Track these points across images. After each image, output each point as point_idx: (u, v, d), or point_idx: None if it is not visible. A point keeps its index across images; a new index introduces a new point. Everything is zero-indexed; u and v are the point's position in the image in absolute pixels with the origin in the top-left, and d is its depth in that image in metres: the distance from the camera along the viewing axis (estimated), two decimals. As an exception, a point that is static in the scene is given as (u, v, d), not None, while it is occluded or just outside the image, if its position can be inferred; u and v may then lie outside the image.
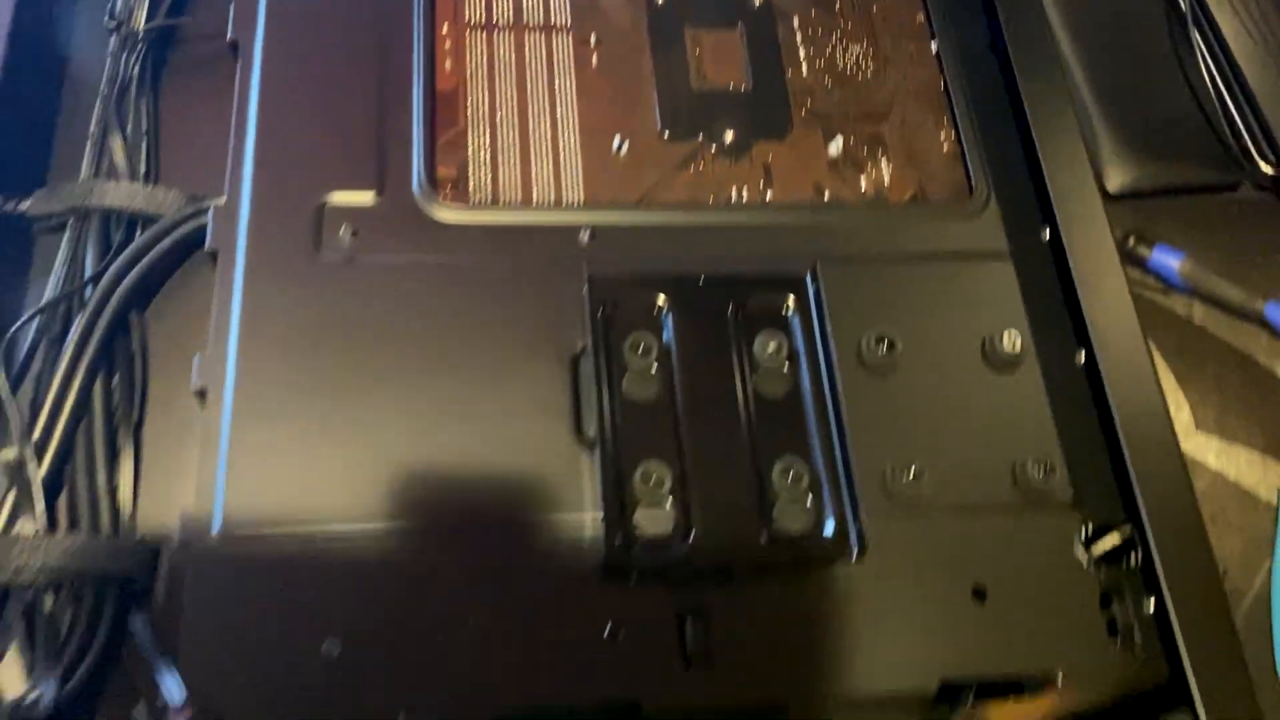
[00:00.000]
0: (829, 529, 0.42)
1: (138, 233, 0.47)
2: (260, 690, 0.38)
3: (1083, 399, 0.47)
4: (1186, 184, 0.86)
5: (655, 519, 0.41)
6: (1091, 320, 0.47)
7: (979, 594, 0.42)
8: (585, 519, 0.42)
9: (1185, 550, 0.43)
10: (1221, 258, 0.83)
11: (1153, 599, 0.43)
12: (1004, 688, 0.42)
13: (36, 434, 0.41)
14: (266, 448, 0.41)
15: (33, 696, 0.37)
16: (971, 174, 0.51)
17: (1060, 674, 0.41)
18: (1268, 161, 0.86)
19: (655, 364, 0.44)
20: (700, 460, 0.42)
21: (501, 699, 0.39)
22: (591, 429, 0.43)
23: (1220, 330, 0.82)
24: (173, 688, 0.37)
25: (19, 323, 0.43)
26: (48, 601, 0.39)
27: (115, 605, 0.40)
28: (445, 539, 0.41)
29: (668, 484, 0.42)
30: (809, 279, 0.46)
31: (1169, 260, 0.69)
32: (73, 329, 0.43)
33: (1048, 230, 0.50)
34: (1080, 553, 0.43)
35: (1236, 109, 0.76)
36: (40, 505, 0.40)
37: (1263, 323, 0.81)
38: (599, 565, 0.41)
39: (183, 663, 0.37)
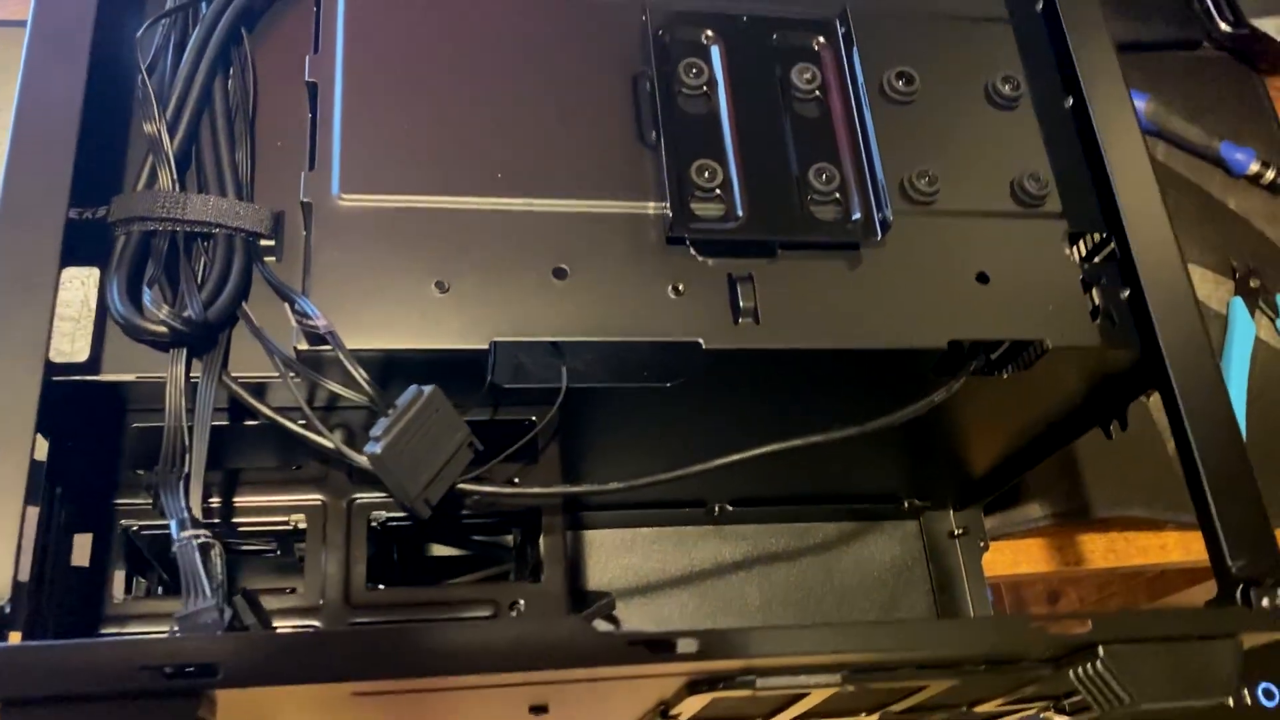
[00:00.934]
0: (856, 217, 0.49)
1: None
2: (376, 320, 0.44)
3: (1069, 134, 0.54)
4: (1153, 40, 0.94)
5: (709, 205, 0.48)
6: (1081, 72, 0.54)
7: (982, 278, 0.49)
8: (649, 206, 0.48)
9: (1157, 251, 0.51)
10: (1183, 105, 0.92)
11: (1128, 290, 0.50)
12: (1003, 359, 0.50)
13: (168, 114, 0.47)
14: (373, 126, 0.47)
15: (180, 313, 0.42)
16: (977, -49, 0.58)
17: (1048, 341, 0.48)
18: (1226, 21, 0.95)
19: (705, 86, 0.50)
20: (746, 161, 0.49)
21: (583, 334, 0.45)
22: (653, 135, 0.49)
23: (1179, 166, 0.90)
24: (308, 308, 0.43)
25: (146, 24, 0.49)
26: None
27: (244, 255, 0.45)
28: (531, 216, 0.47)
29: (719, 177, 0.48)
30: (838, 21, 0.53)
31: (1136, 102, 0.76)
32: (192, 37, 0.49)
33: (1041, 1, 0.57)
34: (1067, 251, 0.51)
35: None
36: (173, 170, 0.46)
37: (1218, 160, 0.90)
38: (663, 236, 0.47)
39: (314, 293, 0.44)
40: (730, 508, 0.67)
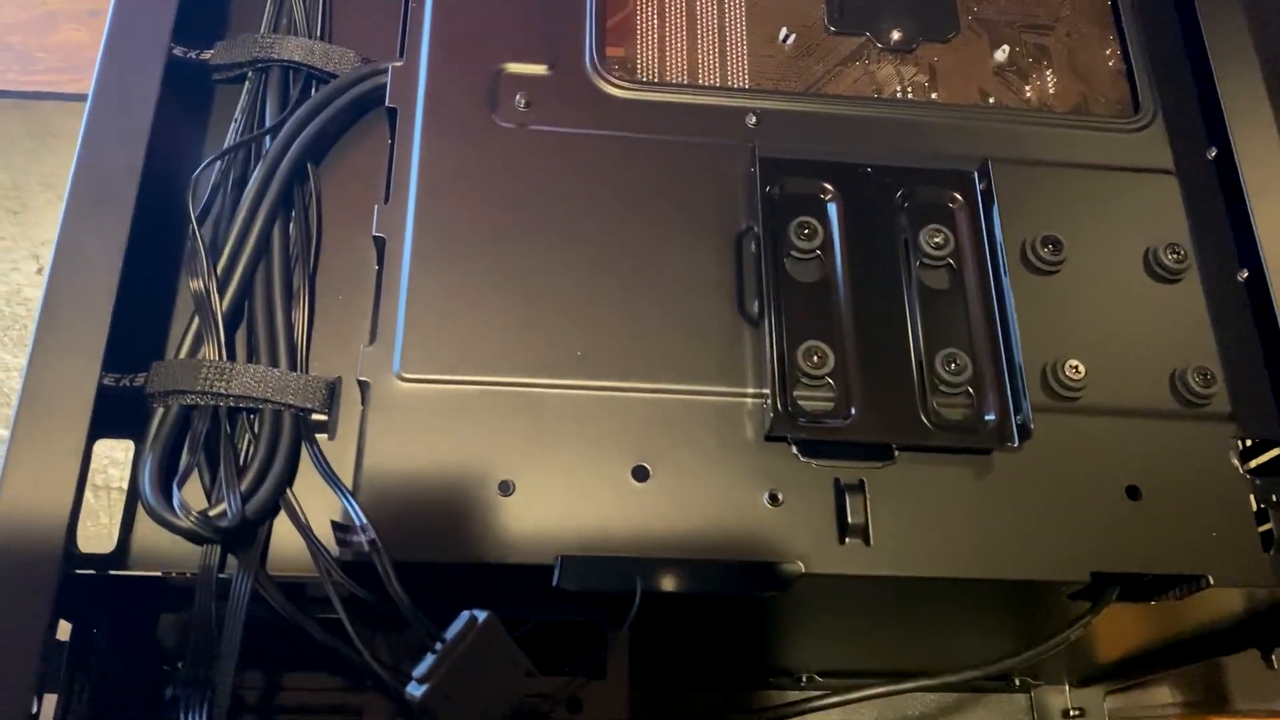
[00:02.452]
0: (990, 417, 0.42)
1: (313, 90, 0.47)
2: (431, 525, 0.39)
3: (1243, 315, 0.46)
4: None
5: (817, 395, 0.42)
6: (1260, 238, 0.46)
7: (1133, 493, 0.42)
8: (746, 393, 0.42)
9: (1345, 470, 0.43)
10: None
11: (1310, 517, 0.42)
12: (1150, 588, 0.42)
13: (219, 269, 0.42)
14: (442, 296, 0.42)
15: (218, 509, 0.38)
16: (1139, 89, 0.51)
17: (1210, 578, 0.41)
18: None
19: (819, 249, 0.44)
20: (863, 343, 0.43)
21: (663, 549, 0.39)
22: (754, 307, 0.43)
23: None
24: (355, 514, 0.38)
25: (202, 165, 0.44)
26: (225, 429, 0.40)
27: (292, 434, 0.41)
28: (612, 404, 0.41)
29: (830, 363, 0.42)
30: (977, 176, 0.46)
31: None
32: (253, 175, 0.44)
33: (1214, 149, 0.49)
34: (1236, 463, 0.43)
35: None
36: (221, 335, 0.41)
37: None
38: (760, 433, 0.41)
39: (361, 495, 0.39)
40: (819, 678, 0.60)
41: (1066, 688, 0.63)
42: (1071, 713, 0.62)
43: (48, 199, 0.68)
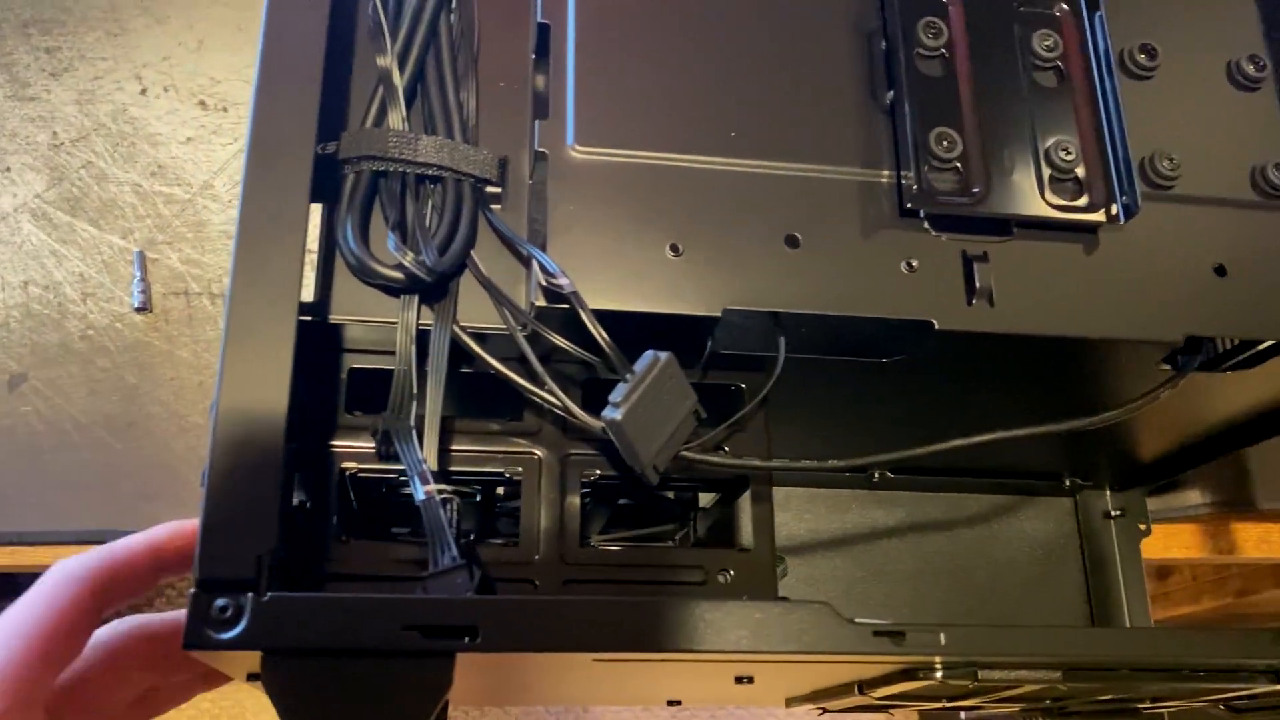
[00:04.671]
0: (1097, 197, 0.47)
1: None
2: (613, 279, 0.43)
3: (1314, 123, 0.51)
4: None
5: (945, 177, 0.46)
6: (1331, 51, 0.51)
7: (1219, 270, 0.47)
8: (882, 174, 0.46)
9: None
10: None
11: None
12: (1229, 355, 0.48)
13: (398, 47, 0.45)
14: (607, 77, 0.45)
15: (418, 259, 0.42)
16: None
17: (1290, 341, 0.46)
18: None
19: (943, 48, 0.48)
20: (985, 132, 0.47)
21: (813, 306, 0.44)
22: (887, 98, 0.47)
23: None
24: (549, 265, 0.42)
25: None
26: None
27: (472, 202, 0.44)
28: (764, 180, 0.45)
29: (959, 148, 0.46)
30: (1085, -15, 0.50)
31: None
32: (417, -34, 0.47)
33: (1289, -26, 0.54)
34: (1310, 248, 0.49)
35: None
36: (404, 108, 0.45)
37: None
38: (895, 207, 0.46)
39: (550, 252, 0.43)
40: (890, 474, 0.66)
41: (1108, 492, 0.69)
42: (1113, 513, 0.68)
43: (145, 22, 0.69)
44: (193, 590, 0.34)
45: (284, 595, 0.34)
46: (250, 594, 0.34)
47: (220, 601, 0.34)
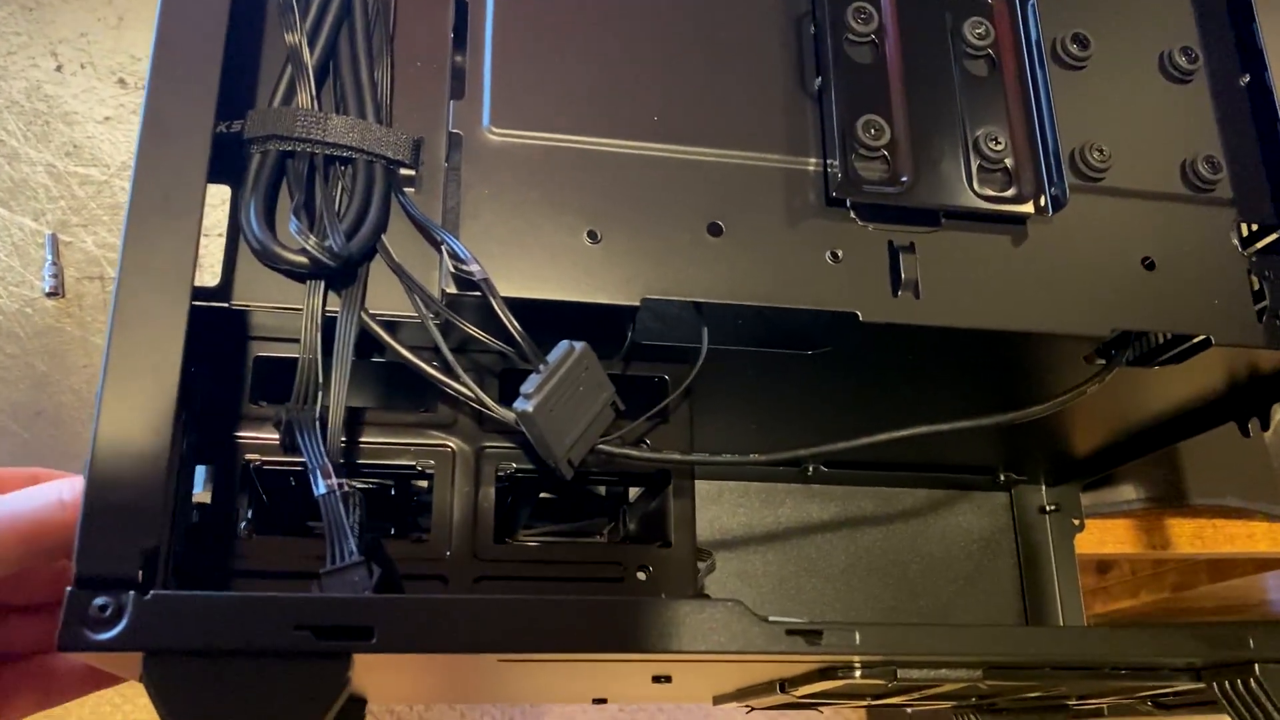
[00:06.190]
0: (1026, 189, 0.46)
1: None
2: (527, 266, 0.41)
3: (1243, 115, 0.51)
4: None
5: (873, 166, 0.45)
6: (1264, 45, 0.51)
7: (1148, 264, 0.47)
8: (809, 162, 0.45)
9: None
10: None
11: (1295, 287, 0.48)
12: (1158, 350, 0.47)
13: (308, 24, 0.44)
14: (526, 58, 0.44)
15: (322, 244, 0.40)
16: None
17: (1214, 337, 0.46)
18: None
19: (873, 34, 0.47)
20: (914, 120, 0.46)
21: (735, 297, 0.43)
22: (815, 84, 0.46)
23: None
24: (460, 251, 0.40)
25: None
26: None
27: (384, 185, 0.43)
28: (688, 165, 0.44)
29: (886, 136, 0.45)
30: (1015, -27, 0.49)
31: None
32: (331, -60, 0.45)
33: (1221, -35, 0.54)
34: (1236, 243, 0.48)
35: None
36: (313, 86, 0.43)
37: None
38: (822, 198, 0.45)
39: (462, 238, 0.41)
40: (825, 468, 0.65)
41: (1043, 487, 0.69)
42: (1048, 508, 0.68)
43: (62, -4, 0.67)
44: (70, 588, 0.32)
45: (167, 594, 0.33)
46: (132, 592, 0.33)
47: (99, 600, 0.32)
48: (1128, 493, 0.70)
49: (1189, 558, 0.74)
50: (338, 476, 0.38)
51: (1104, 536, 0.71)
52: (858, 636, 0.37)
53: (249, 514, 0.44)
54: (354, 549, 0.36)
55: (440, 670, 0.43)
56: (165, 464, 0.34)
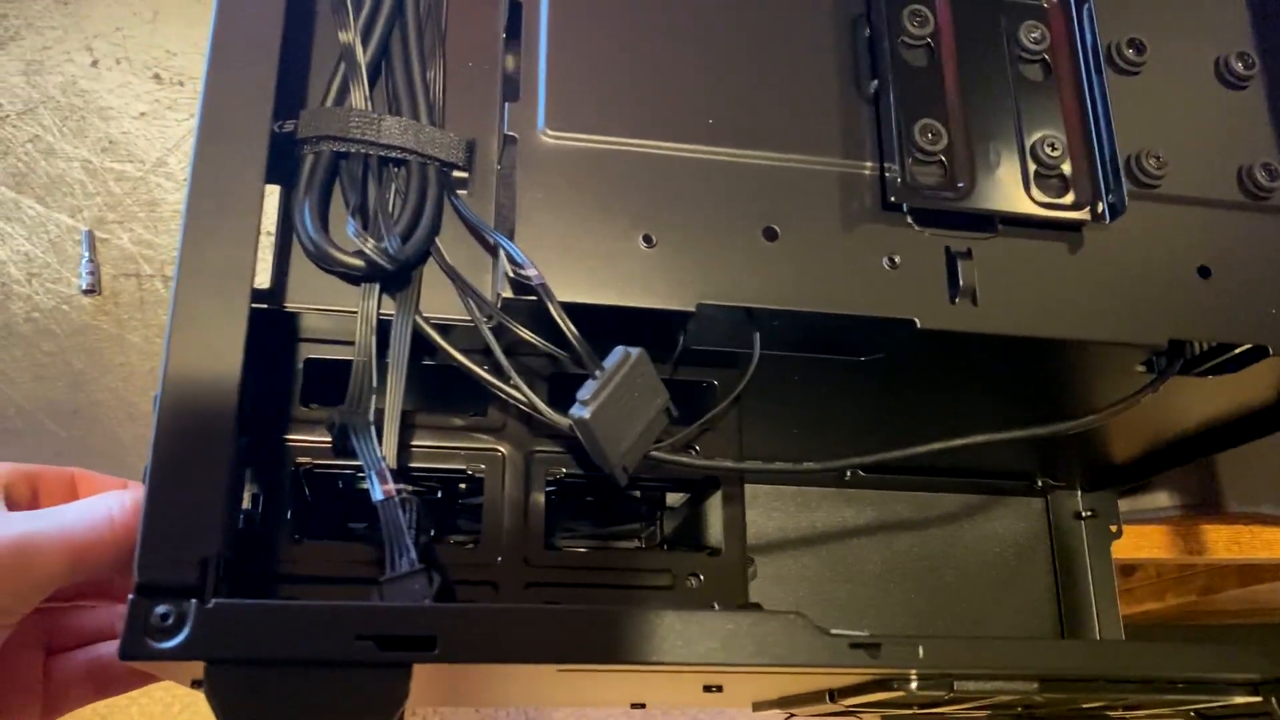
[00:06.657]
0: (1083, 195, 0.45)
1: None
2: (582, 270, 0.41)
3: (1301, 123, 0.50)
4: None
5: (930, 170, 0.45)
6: (1319, 51, 0.50)
7: (1203, 272, 0.46)
8: (865, 166, 0.45)
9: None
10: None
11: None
12: (1211, 358, 0.47)
13: (361, 23, 0.43)
14: (581, 60, 0.43)
15: (379, 246, 0.40)
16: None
17: (1272, 348, 0.45)
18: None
19: (929, 37, 0.46)
20: (971, 125, 0.45)
21: (789, 302, 0.42)
22: (870, 87, 0.46)
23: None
24: (517, 255, 0.40)
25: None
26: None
27: (437, 187, 0.42)
28: (743, 169, 0.44)
29: (944, 141, 0.45)
30: (1072, -23, 0.49)
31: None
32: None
33: (1278, -29, 0.53)
34: (1295, 251, 0.48)
35: None
36: (367, 86, 0.42)
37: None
38: (878, 200, 0.44)
39: (518, 241, 0.41)
40: (862, 473, 0.64)
41: (1079, 493, 0.68)
42: (1084, 514, 0.67)
43: (97, -10, 0.66)
44: (132, 596, 0.32)
45: (230, 602, 0.32)
46: (194, 600, 0.32)
47: (161, 609, 0.32)
48: (1163, 499, 0.70)
49: (1222, 562, 0.74)
50: (395, 482, 0.37)
51: (1139, 542, 0.71)
52: (921, 650, 0.36)
53: (293, 518, 0.43)
54: (414, 557, 0.36)
55: (485, 676, 0.43)
56: (226, 471, 0.34)
